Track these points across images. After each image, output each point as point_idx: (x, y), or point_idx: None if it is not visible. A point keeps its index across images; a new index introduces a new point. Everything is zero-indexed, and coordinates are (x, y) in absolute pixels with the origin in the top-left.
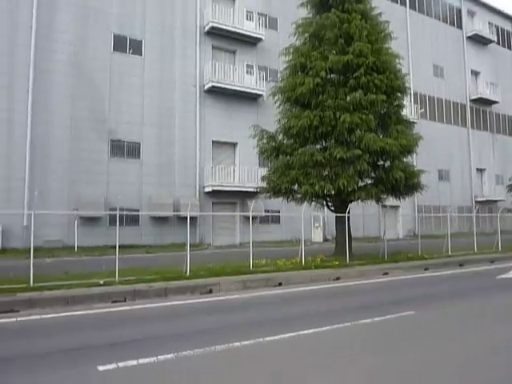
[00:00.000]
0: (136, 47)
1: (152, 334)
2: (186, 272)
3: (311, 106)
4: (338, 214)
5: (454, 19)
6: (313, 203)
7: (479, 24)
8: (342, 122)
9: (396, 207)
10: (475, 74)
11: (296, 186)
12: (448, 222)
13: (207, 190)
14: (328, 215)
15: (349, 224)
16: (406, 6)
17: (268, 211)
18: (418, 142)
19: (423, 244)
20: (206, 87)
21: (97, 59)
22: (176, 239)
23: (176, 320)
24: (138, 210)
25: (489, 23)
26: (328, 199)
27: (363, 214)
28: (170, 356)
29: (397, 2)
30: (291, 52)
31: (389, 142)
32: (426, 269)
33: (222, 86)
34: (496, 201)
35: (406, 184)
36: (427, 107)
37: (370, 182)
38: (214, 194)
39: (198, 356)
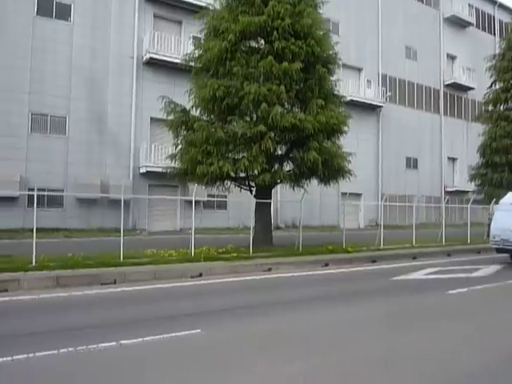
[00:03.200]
0: (64, 11)
1: None
2: (32, 263)
3: (218, 74)
4: (259, 200)
5: None
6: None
7: (458, 5)
8: (247, 93)
9: (358, 195)
10: (451, 58)
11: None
12: (380, 212)
13: (142, 170)
14: (281, 201)
15: (264, 211)
16: None
17: (214, 196)
18: (345, 121)
19: (375, 235)
20: (144, 59)
21: (17, 24)
22: (105, 223)
23: None
24: (62, 191)
25: (468, 5)
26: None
27: (320, 202)
28: None
29: None
30: (209, 15)
31: (302, 117)
32: (326, 265)
33: (162, 58)
34: (467, 191)
35: (326, 167)
36: (397, 91)
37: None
38: (151, 175)
39: None
